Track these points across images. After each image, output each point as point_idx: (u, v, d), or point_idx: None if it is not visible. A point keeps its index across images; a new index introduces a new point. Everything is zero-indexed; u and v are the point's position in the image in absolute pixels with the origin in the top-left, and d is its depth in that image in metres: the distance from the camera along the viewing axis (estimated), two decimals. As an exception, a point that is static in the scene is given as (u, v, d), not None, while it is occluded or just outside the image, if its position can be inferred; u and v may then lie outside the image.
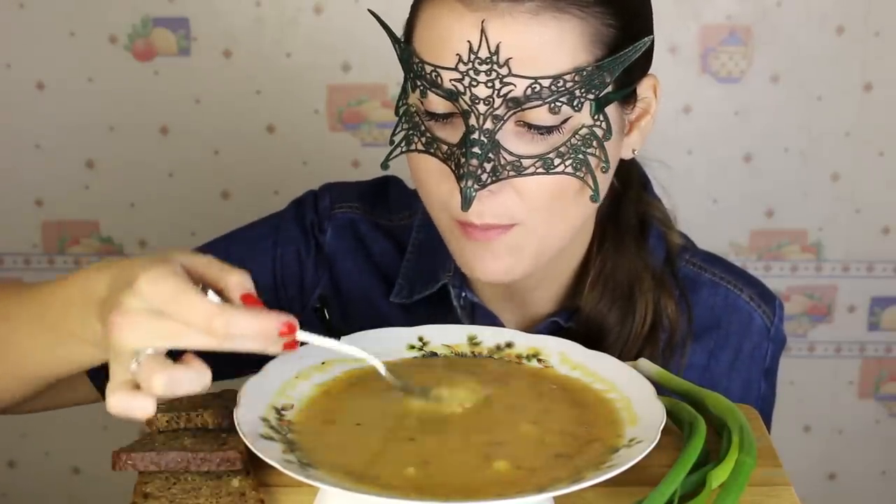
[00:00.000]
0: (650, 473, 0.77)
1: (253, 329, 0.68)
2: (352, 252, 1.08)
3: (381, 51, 1.79)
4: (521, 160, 0.86)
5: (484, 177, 0.86)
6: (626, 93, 0.91)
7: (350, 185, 1.13)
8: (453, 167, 0.87)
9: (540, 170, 0.87)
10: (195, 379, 0.68)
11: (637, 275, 1.01)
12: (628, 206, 1.03)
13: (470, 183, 0.85)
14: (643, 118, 0.95)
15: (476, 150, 0.85)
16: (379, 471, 0.71)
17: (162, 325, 0.68)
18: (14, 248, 1.86)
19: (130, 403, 0.68)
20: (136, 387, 0.69)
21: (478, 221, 0.88)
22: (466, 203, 0.85)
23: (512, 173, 0.86)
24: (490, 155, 0.85)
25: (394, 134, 0.92)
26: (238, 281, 0.72)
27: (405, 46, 0.90)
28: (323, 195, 1.10)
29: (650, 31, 0.92)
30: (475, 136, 0.85)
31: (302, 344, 0.71)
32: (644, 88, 0.94)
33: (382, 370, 0.78)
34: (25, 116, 1.80)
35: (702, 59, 1.80)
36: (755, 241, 1.89)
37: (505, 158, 0.86)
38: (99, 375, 1.01)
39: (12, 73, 1.78)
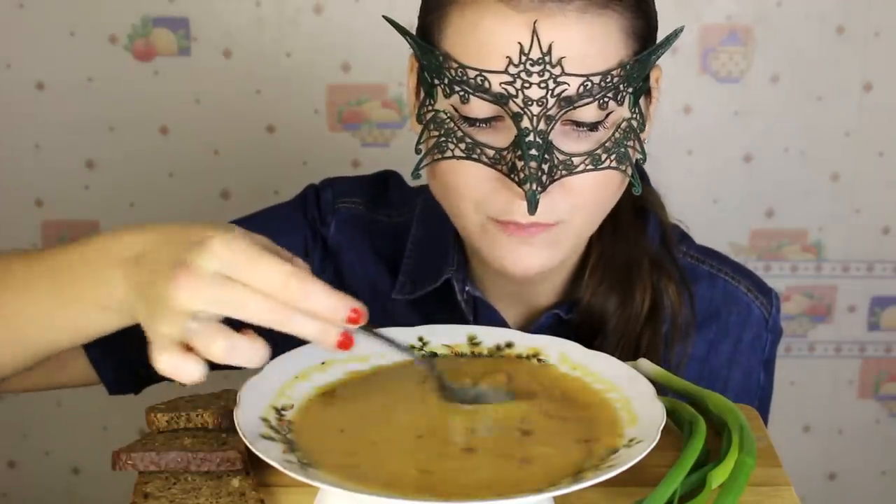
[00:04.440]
0: (650, 473, 0.77)
1: (325, 301, 0.68)
2: (356, 245, 1.08)
3: (382, 51, 1.80)
4: (572, 158, 0.87)
5: (544, 178, 0.85)
6: (648, 84, 0.92)
7: (351, 180, 1.13)
8: (506, 171, 0.86)
9: (589, 166, 0.88)
10: (255, 352, 0.68)
11: (635, 259, 1.01)
12: (624, 194, 1.03)
13: (535, 186, 0.85)
14: (651, 107, 0.96)
15: (533, 152, 0.85)
16: (378, 470, 0.71)
17: (228, 292, 0.67)
18: (14, 247, 1.86)
19: (182, 365, 0.68)
20: (186, 348, 0.68)
21: (524, 221, 0.88)
22: (533, 207, 0.85)
23: (564, 172, 0.87)
24: (546, 156, 0.85)
25: (419, 143, 0.91)
26: (303, 264, 0.71)
27: (437, 52, 0.88)
28: (325, 189, 1.10)
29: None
30: (530, 138, 0.85)
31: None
32: (654, 79, 0.95)
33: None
34: (25, 116, 1.79)
35: (702, 59, 1.80)
36: (755, 241, 1.89)
37: (557, 158, 0.86)
38: (98, 352, 1.00)
39: (12, 73, 1.77)
